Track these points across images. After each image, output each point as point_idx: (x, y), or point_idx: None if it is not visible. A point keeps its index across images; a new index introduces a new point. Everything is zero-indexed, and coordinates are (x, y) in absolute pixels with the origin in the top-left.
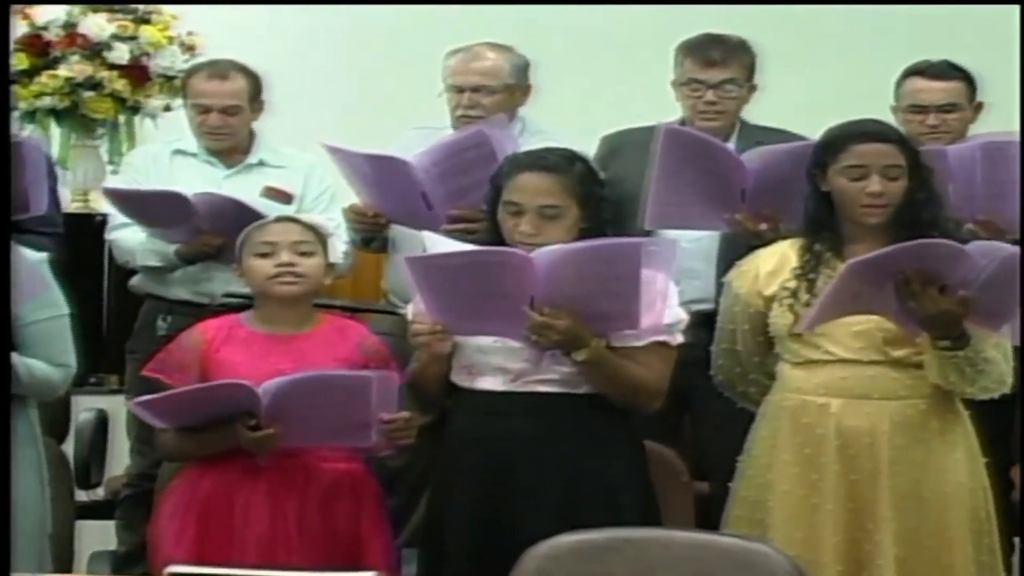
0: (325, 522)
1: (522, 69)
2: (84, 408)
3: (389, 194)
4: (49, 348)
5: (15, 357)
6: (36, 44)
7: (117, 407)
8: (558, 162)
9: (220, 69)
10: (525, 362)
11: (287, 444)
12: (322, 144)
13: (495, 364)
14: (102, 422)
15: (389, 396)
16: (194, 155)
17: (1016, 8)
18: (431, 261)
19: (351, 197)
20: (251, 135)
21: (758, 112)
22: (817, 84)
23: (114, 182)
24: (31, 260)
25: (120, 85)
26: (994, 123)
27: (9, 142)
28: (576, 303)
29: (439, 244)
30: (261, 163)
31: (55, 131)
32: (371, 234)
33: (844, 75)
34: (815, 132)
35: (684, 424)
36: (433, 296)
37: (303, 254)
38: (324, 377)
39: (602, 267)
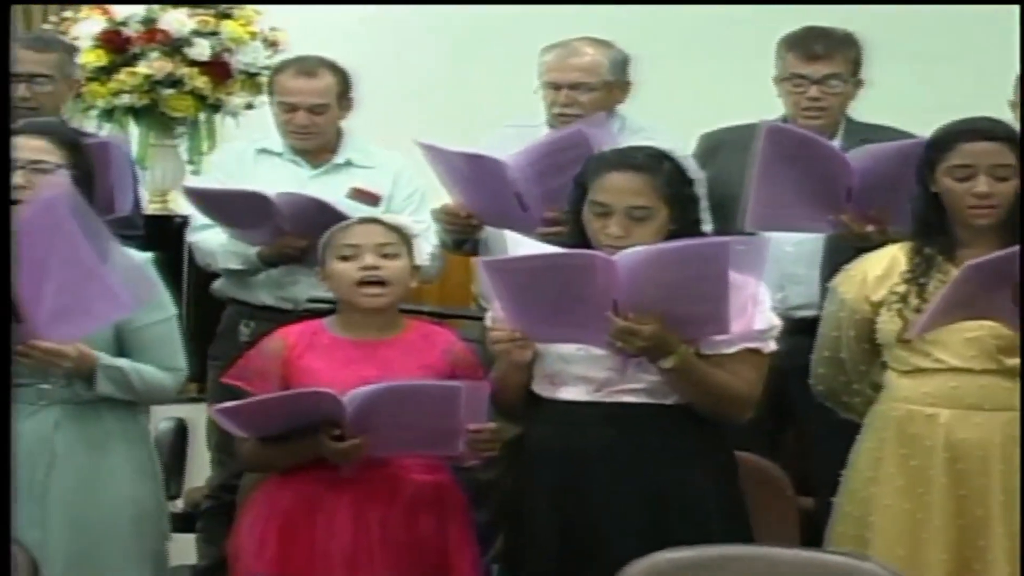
0: (410, 535)
1: (621, 65)
2: (163, 417)
3: (483, 194)
4: (160, 352)
5: (125, 363)
6: (115, 40)
7: (197, 416)
8: (647, 161)
9: (308, 66)
10: (609, 371)
11: (372, 454)
12: (416, 141)
13: (578, 373)
14: (181, 431)
15: (479, 406)
16: (279, 154)
17: (1015, 8)
18: (509, 265)
19: (441, 198)
20: (339, 134)
21: (866, 109)
22: (931, 80)
23: (196, 182)
24: (138, 261)
25: (201, 82)
26: None
27: (9, 142)
28: (662, 307)
29: (521, 245)
30: (348, 163)
31: (133, 130)
32: (463, 236)
33: (961, 70)
34: (928, 130)
35: (787, 436)
36: (511, 301)
37: (387, 256)
38: (413, 388)
39: (688, 269)
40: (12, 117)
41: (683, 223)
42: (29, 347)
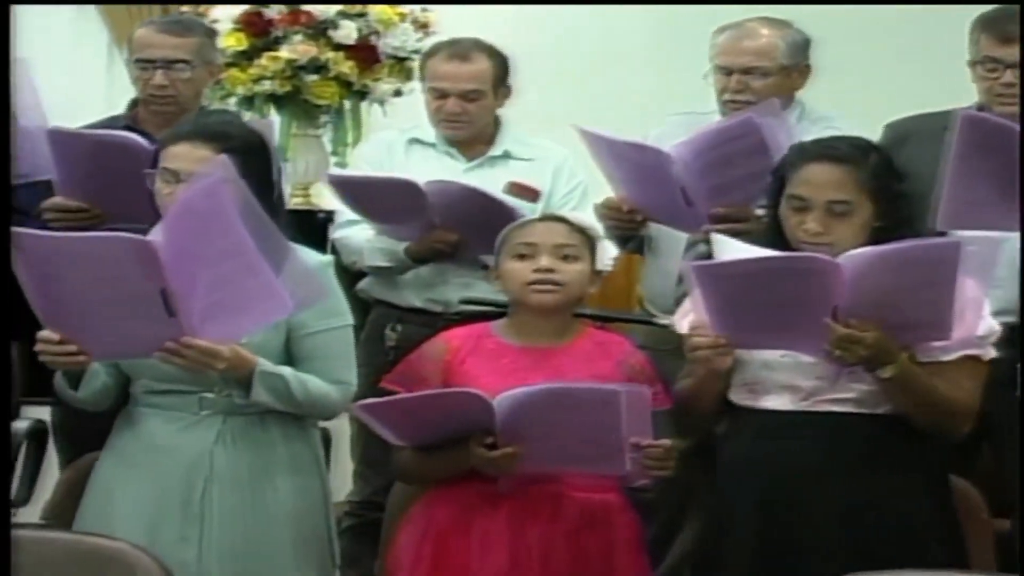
0: (574, 558)
1: (801, 47)
2: None
3: (647, 187)
4: (328, 362)
5: (288, 371)
6: (256, 23)
7: (339, 426)
8: (850, 152)
9: (461, 49)
10: (818, 379)
11: (528, 467)
12: (576, 128)
13: (783, 381)
14: (325, 444)
15: (641, 415)
16: (432, 145)
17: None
18: (724, 269)
19: (603, 195)
20: (496, 123)
21: None
22: None
23: (342, 172)
24: (312, 264)
25: (346, 67)
26: None
27: (9, 141)
28: (883, 313)
29: (730, 248)
30: (506, 155)
31: (275, 118)
32: (627, 232)
33: None
34: None
35: (983, 452)
36: (720, 307)
37: (566, 258)
38: (565, 390)
39: (916, 271)
40: (147, 106)
41: (890, 221)
42: (183, 345)
